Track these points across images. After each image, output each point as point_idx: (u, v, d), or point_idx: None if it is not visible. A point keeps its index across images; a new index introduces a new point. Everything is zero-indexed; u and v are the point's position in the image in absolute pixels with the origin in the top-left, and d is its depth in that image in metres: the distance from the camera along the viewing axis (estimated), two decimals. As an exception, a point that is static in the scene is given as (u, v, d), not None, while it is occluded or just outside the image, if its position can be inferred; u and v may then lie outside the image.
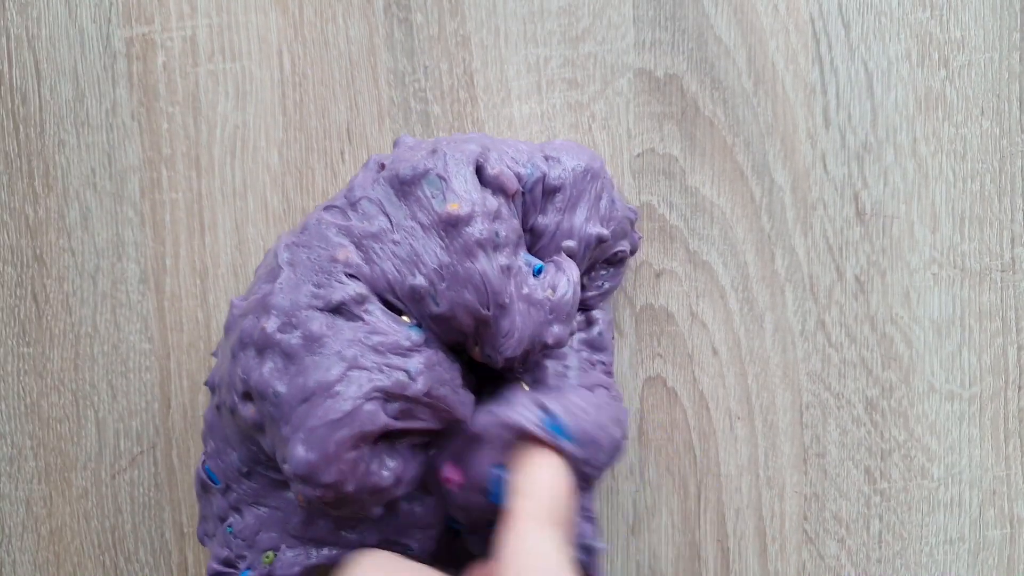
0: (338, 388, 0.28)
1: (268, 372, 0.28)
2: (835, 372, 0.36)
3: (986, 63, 0.36)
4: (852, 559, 0.37)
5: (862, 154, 0.36)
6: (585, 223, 0.32)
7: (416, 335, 0.29)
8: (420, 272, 0.29)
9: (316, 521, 0.30)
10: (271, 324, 0.29)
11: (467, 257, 0.29)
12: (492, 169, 0.30)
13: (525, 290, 0.30)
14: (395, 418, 0.28)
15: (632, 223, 0.34)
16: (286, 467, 0.28)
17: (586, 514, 0.31)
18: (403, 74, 0.35)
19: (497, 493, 0.29)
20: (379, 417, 0.28)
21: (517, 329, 0.29)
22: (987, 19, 0.36)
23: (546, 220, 0.32)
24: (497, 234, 0.29)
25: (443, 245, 0.29)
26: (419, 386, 0.28)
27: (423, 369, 0.28)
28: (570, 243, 0.32)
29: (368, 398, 0.28)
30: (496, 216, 0.30)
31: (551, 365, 0.32)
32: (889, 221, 0.36)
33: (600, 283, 0.34)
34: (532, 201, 0.32)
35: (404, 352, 0.29)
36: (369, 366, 0.28)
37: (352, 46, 0.35)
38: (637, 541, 0.37)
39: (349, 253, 0.30)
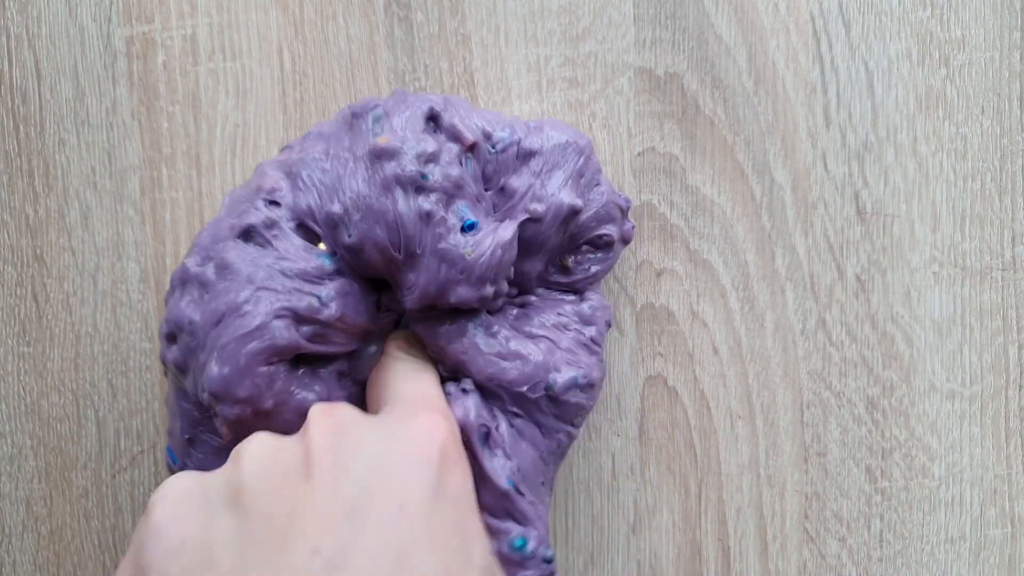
0: (247, 308, 0.28)
1: (185, 304, 0.29)
2: (836, 371, 0.36)
3: (987, 62, 0.36)
4: (853, 558, 0.37)
5: (862, 153, 0.36)
6: (559, 190, 0.31)
7: (328, 264, 0.29)
8: (339, 200, 0.29)
9: None
10: (192, 260, 0.30)
11: (385, 192, 0.29)
12: (447, 118, 0.30)
13: (442, 244, 0.29)
14: (309, 340, 0.29)
15: (623, 211, 0.34)
16: (203, 394, 0.28)
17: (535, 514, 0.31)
18: (403, 73, 0.35)
19: None
20: (289, 333, 0.28)
21: (419, 287, 0.29)
22: (987, 18, 0.36)
23: (518, 181, 0.31)
24: (424, 176, 0.29)
25: (367, 177, 0.29)
26: (331, 311, 0.29)
27: (335, 296, 0.29)
28: (537, 206, 0.31)
29: (277, 315, 0.28)
30: (430, 159, 0.29)
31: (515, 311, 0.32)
32: (890, 220, 0.36)
33: (587, 267, 0.33)
34: (504, 161, 0.31)
35: (314, 279, 0.29)
36: (279, 288, 0.29)
37: (352, 45, 0.35)
38: (638, 540, 0.37)
39: (275, 180, 0.30)
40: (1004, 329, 0.37)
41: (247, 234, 0.30)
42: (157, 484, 0.36)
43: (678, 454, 0.36)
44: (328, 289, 0.29)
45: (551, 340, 0.32)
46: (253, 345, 0.28)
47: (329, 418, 0.25)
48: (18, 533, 0.36)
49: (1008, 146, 0.36)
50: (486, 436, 0.30)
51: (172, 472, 0.32)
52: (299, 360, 0.29)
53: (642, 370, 0.36)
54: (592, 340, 0.33)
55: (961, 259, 0.36)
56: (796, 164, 0.36)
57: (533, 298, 0.33)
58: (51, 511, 0.36)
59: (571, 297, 0.33)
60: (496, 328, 0.31)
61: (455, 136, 0.30)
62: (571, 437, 0.32)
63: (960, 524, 0.37)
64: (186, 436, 0.31)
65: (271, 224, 0.30)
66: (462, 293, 0.29)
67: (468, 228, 0.30)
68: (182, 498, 0.24)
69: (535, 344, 0.31)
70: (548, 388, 0.31)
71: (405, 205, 0.29)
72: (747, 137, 0.36)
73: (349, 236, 0.29)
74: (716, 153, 0.36)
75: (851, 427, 0.36)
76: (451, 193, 0.30)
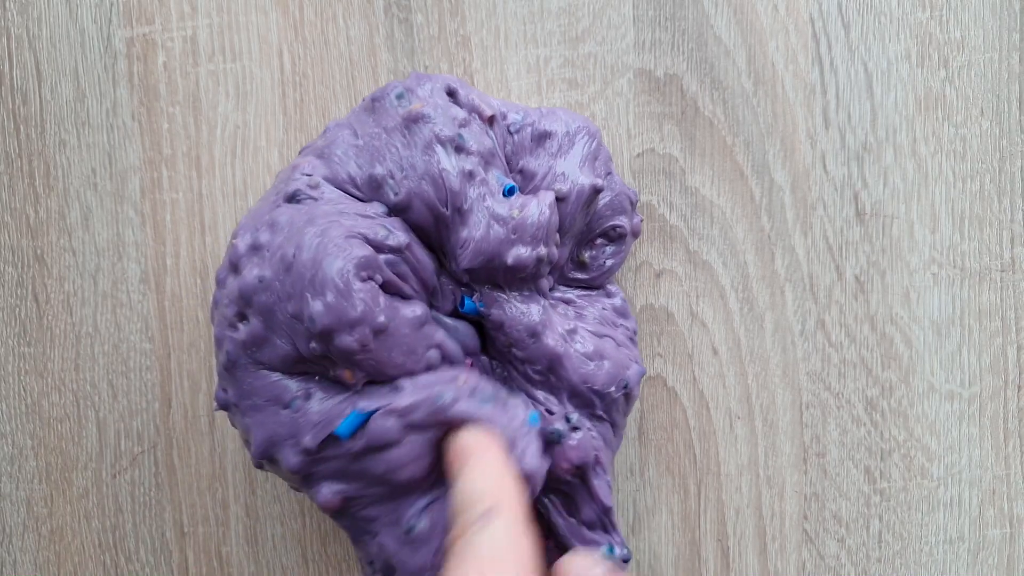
0: (317, 240, 0.27)
1: (247, 273, 0.28)
2: (835, 372, 0.36)
3: (986, 63, 0.36)
4: (852, 558, 0.37)
5: (862, 154, 0.36)
6: (578, 170, 0.32)
7: (383, 208, 0.30)
8: (380, 164, 0.30)
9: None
10: (241, 241, 0.29)
11: (427, 151, 0.29)
12: (465, 93, 0.31)
13: (489, 203, 0.29)
14: (388, 266, 0.28)
15: (632, 204, 0.34)
16: (314, 330, 0.27)
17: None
18: (403, 74, 0.35)
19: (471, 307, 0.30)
20: (367, 249, 0.27)
21: (474, 240, 0.29)
22: (987, 19, 0.36)
23: (537, 162, 0.32)
24: (462, 138, 0.30)
25: (405, 142, 0.29)
26: (400, 239, 0.29)
27: (400, 227, 0.29)
28: (561, 186, 0.31)
29: (349, 235, 0.28)
30: (463, 124, 0.30)
31: (562, 313, 0.32)
32: (889, 221, 0.36)
33: (602, 261, 0.34)
34: (520, 142, 0.32)
35: (373, 216, 0.29)
36: (346, 222, 0.28)
37: (352, 46, 0.35)
38: (637, 540, 0.37)
39: (309, 161, 0.30)
40: (1003, 330, 0.37)
41: (292, 198, 0.29)
42: (157, 484, 0.36)
43: (677, 455, 0.37)
44: (391, 222, 0.29)
45: (611, 337, 0.32)
46: (339, 264, 0.27)
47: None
48: (19, 533, 0.36)
49: (1007, 147, 0.36)
50: (596, 460, 0.31)
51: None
52: (389, 291, 0.29)
53: (641, 371, 0.36)
54: (634, 332, 0.34)
55: (960, 260, 0.36)
56: (795, 165, 0.36)
57: (573, 295, 0.33)
58: (52, 511, 0.36)
59: (595, 293, 0.34)
60: (571, 324, 0.31)
61: (474, 109, 0.31)
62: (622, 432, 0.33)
63: (959, 525, 0.37)
64: (287, 401, 0.29)
65: (315, 185, 0.30)
66: (519, 253, 0.29)
67: (508, 192, 0.30)
68: None
69: (604, 342, 0.32)
70: (625, 386, 0.31)
71: (448, 163, 0.29)
72: (746, 138, 0.36)
73: (396, 195, 0.29)
74: (715, 154, 0.36)
75: (850, 428, 0.37)
76: (487, 159, 0.30)
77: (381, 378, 0.28)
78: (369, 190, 0.30)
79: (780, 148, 0.36)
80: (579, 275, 0.33)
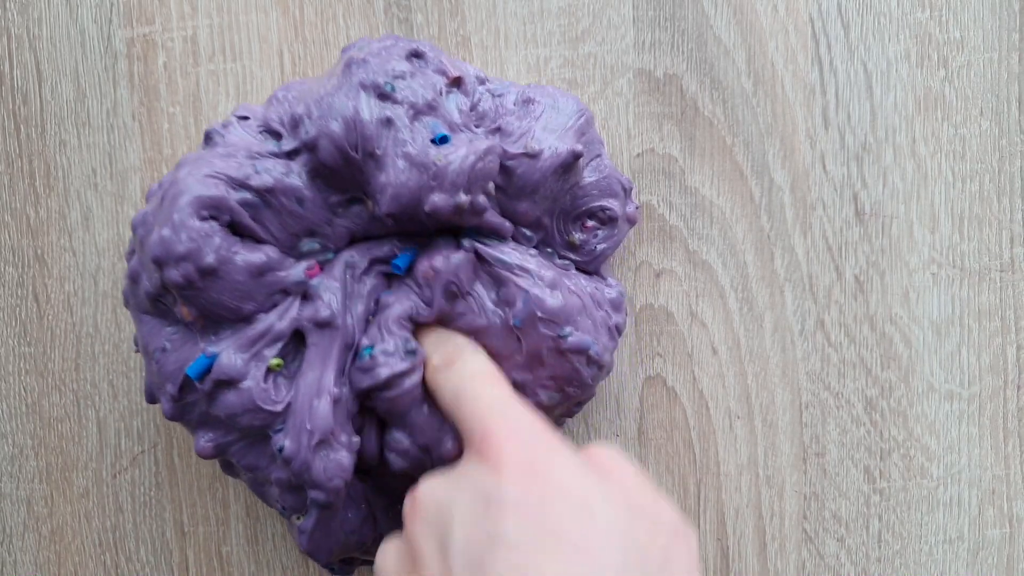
0: (184, 177, 0.29)
1: (141, 210, 0.30)
2: (834, 372, 0.36)
3: (985, 63, 0.36)
4: (851, 558, 0.37)
5: (861, 154, 0.36)
6: (559, 136, 0.32)
7: (278, 148, 0.30)
8: (305, 103, 0.30)
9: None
10: (155, 183, 0.31)
11: (348, 94, 0.30)
12: (434, 55, 0.31)
13: (408, 148, 0.29)
14: (243, 206, 0.29)
15: (626, 191, 0.34)
16: (147, 259, 0.29)
17: None
18: (403, 74, 0.35)
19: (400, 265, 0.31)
20: (217, 189, 0.29)
21: (391, 185, 0.29)
22: (986, 20, 0.36)
23: (517, 123, 0.32)
24: (390, 87, 0.30)
25: (336, 84, 0.30)
26: (263, 180, 0.29)
27: (271, 168, 0.30)
28: (533, 143, 0.31)
29: (208, 176, 0.29)
30: (400, 76, 0.30)
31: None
32: (888, 221, 0.36)
33: (593, 246, 0.33)
34: (503, 104, 0.32)
35: (256, 156, 0.30)
36: (217, 162, 0.29)
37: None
38: (637, 540, 0.37)
39: (250, 105, 0.32)
40: (1002, 330, 0.37)
41: (207, 138, 0.31)
42: (157, 484, 0.36)
43: (677, 454, 0.37)
44: (267, 163, 0.30)
45: (588, 313, 0.32)
46: (183, 199, 0.28)
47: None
48: (19, 533, 0.36)
49: (1007, 147, 0.36)
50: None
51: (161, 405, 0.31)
52: (240, 232, 0.30)
53: (641, 370, 0.36)
54: (617, 327, 0.33)
55: (959, 260, 0.36)
56: (795, 165, 0.36)
57: (572, 256, 0.33)
58: (52, 511, 0.36)
59: (592, 278, 0.33)
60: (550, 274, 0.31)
61: (440, 70, 0.31)
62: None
63: (958, 524, 0.37)
64: (158, 349, 0.31)
65: (225, 124, 0.31)
66: (436, 200, 0.29)
67: (439, 141, 0.30)
68: None
69: (573, 298, 0.31)
70: (569, 337, 0.31)
71: (367, 108, 0.29)
72: (746, 138, 0.36)
73: (307, 132, 0.30)
74: (715, 154, 0.36)
75: (850, 428, 0.37)
76: (420, 110, 0.30)
77: (216, 317, 0.30)
78: (290, 128, 0.30)
79: (780, 148, 0.36)
80: (570, 255, 0.33)
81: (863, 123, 0.36)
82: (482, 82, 0.32)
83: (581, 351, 0.31)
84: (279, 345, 0.30)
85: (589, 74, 0.35)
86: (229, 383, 0.29)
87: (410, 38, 0.32)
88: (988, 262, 0.36)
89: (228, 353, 0.29)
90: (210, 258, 0.28)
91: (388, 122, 0.29)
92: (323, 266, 0.31)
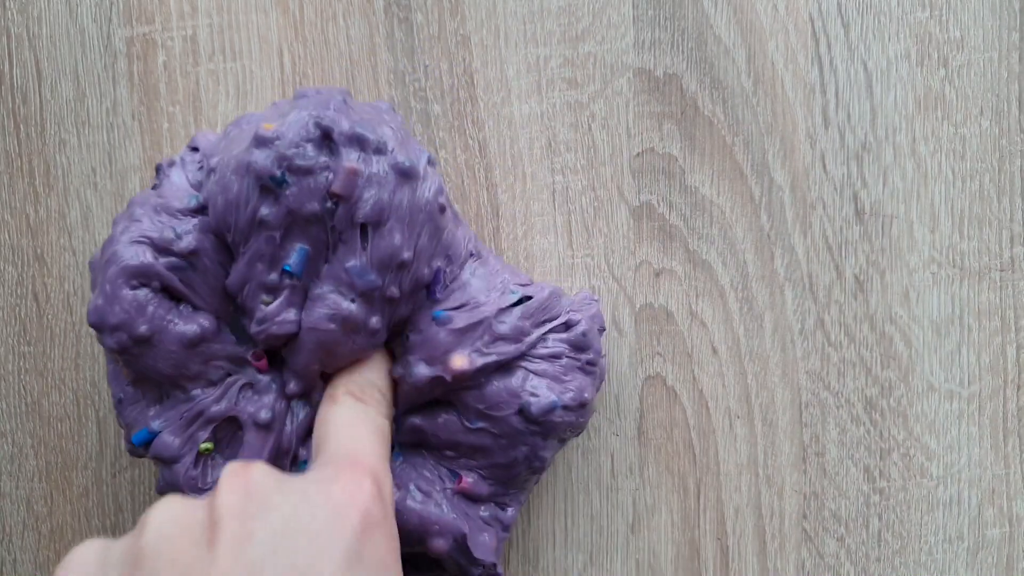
0: (117, 240, 0.29)
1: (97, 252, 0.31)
2: (834, 371, 0.36)
3: (985, 63, 0.36)
4: (851, 558, 0.37)
5: (861, 154, 0.36)
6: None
7: (195, 203, 0.30)
8: (217, 155, 0.30)
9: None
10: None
11: (239, 170, 0.28)
12: (344, 140, 0.29)
13: (259, 270, 0.29)
14: (169, 270, 0.29)
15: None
16: (89, 323, 0.29)
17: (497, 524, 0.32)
18: (403, 74, 0.35)
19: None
20: (144, 256, 0.29)
21: (231, 284, 0.29)
22: (986, 19, 0.36)
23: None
24: (278, 181, 0.28)
25: (242, 148, 0.29)
26: (184, 244, 0.29)
27: (192, 231, 0.29)
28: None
29: (135, 241, 0.29)
30: (295, 170, 0.28)
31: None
32: (888, 220, 0.36)
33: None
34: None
35: (177, 214, 0.30)
36: (144, 221, 0.29)
37: (352, 46, 0.35)
38: (637, 540, 0.37)
39: (207, 134, 0.32)
40: (1002, 329, 0.37)
41: (156, 172, 0.31)
42: (158, 484, 0.36)
43: (677, 454, 0.37)
44: (187, 225, 0.30)
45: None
46: (113, 270, 0.29)
47: (239, 479, 0.24)
48: (19, 532, 0.36)
49: (1007, 147, 0.36)
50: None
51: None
52: (176, 297, 0.30)
53: (641, 370, 0.36)
54: (589, 363, 0.32)
55: (959, 259, 0.36)
56: (795, 164, 0.36)
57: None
58: (52, 510, 0.36)
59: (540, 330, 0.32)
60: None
61: (335, 172, 0.28)
62: None
63: (958, 524, 0.37)
64: (117, 398, 0.31)
65: (171, 163, 0.31)
66: (253, 328, 0.30)
67: (287, 272, 0.29)
68: (85, 564, 0.23)
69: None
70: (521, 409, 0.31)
71: (248, 195, 0.28)
72: (746, 138, 0.36)
73: (205, 192, 0.30)
74: (715, 153, 0.36)
75: (849, 427, 0.37)
76: (297, 220, 0.28)
77: (154, 382, 0.30)
78: (206, 175, 0.30)
79: (780, 147, 0.36)
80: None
81: (863, 122, 0.36)
82: (476, 257, 0.32)
83: (550, 411, 0.31)
84: (212, 428, 0.30)
85: (589, 73, 0.35)
86: (165, 462, 0.30)
87: (323, 98, 0.30)
88: (988, 261, 0.36)
89: (166, 435, 0.30)
90: (143, 328, 0.29)
91: (261, 224, 0.28)
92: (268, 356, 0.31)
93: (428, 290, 0.30)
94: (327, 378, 0.31)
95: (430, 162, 0.30)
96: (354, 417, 0.29)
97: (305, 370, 0.30)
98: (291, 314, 0.29)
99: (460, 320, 0.30)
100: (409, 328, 0.31)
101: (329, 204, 0.28)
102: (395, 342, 0.31)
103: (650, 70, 0.36)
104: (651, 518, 0.37)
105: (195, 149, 0.31)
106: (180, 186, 0.30)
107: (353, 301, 0.29)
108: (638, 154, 0.36)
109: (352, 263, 0.29)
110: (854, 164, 0.36)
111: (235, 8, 0.35)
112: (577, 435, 0.34)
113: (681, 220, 0.36)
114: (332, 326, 0.29)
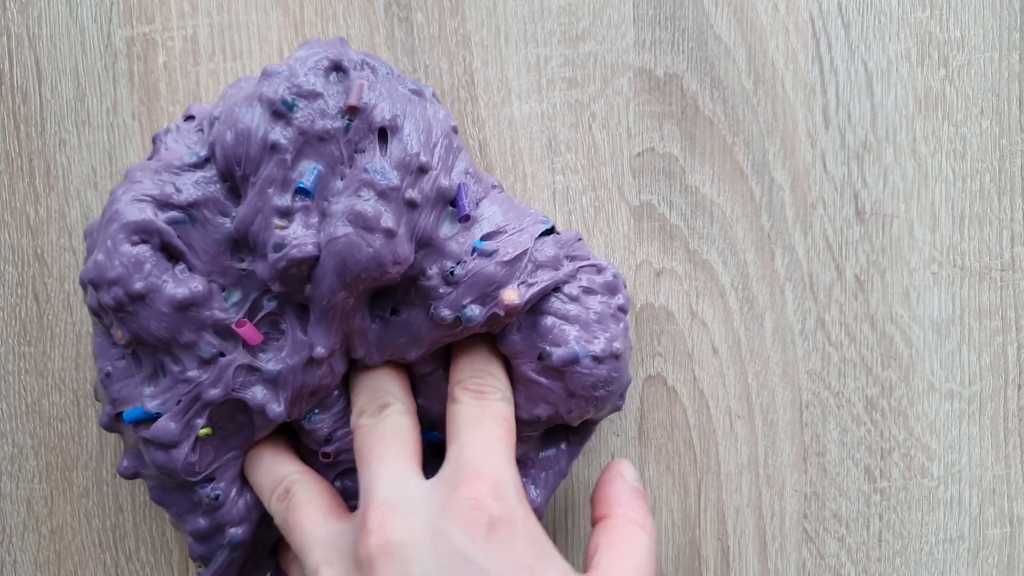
0: (119, 200, 0.29)
1: (96, 219, 0.31)
2: (835, 371, 0.36)
3: (986, 62, 0.36)
4: (852, 558, 0.37)
5: (862, 153, 0.36)
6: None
7: (195, 158, 0.30)
8: (224, 104, 0.30)
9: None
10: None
11: (247, 103, 0.29)
12: (355, 75, 0.29)
13: (271, 191, 0.29)
14: (171, 224, 0.29)
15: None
16: (84, 281, 0.29)
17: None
18: (403, 73, 0.35)
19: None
20: (144, 213, 0.29)
21: (238, 218, 0.29)
22: (987, 18, 0.36)
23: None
24: (289, 105, 0.28)
25: (250, 90, 0.30)
26: (183, 196, 0.29)
27: (190, 185, 0.29)
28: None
29: (136, 199, 0.29)
30: (305, 95, 0.29)
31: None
32: (889, 220, 0.36)
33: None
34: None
35: (177, 170, 0.30)
36: (145, 182, 0.29)
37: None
38: (637, 540, 0.37)
39: (203, 105, 0.32)
40: (1003, 329, 0.37)
41: (153, 143, 0.31)
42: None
43: (677, 454, 0.37)
44: (186, 179, 0.30)
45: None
46: (114, 226, 0.29)
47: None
48: (19, 532, 0.36)
49: (1007, 146, 0.36)
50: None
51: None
52: (174, 257, 0.30)
53: (641, 370, 0.36)
54: (620, 308, 0.32)
55: (960, 259, 0.36)
56: (795, 164, 0.36)
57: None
58: (52, 511, 0.36)
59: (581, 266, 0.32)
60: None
61: (347, 90, 0.29)
62: None
63: (959, 524, 0.37)
64: (104, 372, 0.31)
65: (168, 130, 0.31)
66: (260, 268, 0.29)
67: (300, 191, 0.29)
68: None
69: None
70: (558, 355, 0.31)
71: (260, 122, 0.29)
72: (746, 137, 0.36)
73: (211, 138, 0.30)
74: (715, 153, 0.36)
75: (850, 427, 0.37)
76: (310, 140, 0.29)
77: (148, 344, 0.29)
78: (208, 128, 0.30)
79: (780, 147, 0.36)
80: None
81: (863, 122, 0.36)
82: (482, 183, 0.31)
83: (571, 363, 0.30)
84: (209, 412, 0.30)
85: (589, 73, 0.35)
86: (163, 446, 0.30)
87: (343, 47, 0.30)
88: (989, 261, 0.36)
89: (166, 420, 0.29)
90: (139, 284, 0.28)
91: (273, 147, 0.28)
92: (252, 319, 0.30)
93: (454, 205, 0.30)
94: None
95: (435, 96, 0.31)
96: (470, 418, 0.29)
97: (330, 304, 0.29)
98: (309, 236, 0.28)
99: (506, 250, 0.29)
100: (449, 257, 0.30)
101: (344, 120, 0.29)
102: (436, 293, 0.30)
103: (650, 70, 0.36)
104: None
105: (190, 118, 0.32)
106: (179, 149, 0.31)
107: (368, 200, 0.28)
108: (638, 154, 0.36)
109: (371, 164, 0.29)
110: (854, 164, 0.36)
111: (235, 8, 0.35)
112: (617, 406, 0.33)
113: (681, 220, 0.36)
114: (348, 229, 0.28)
